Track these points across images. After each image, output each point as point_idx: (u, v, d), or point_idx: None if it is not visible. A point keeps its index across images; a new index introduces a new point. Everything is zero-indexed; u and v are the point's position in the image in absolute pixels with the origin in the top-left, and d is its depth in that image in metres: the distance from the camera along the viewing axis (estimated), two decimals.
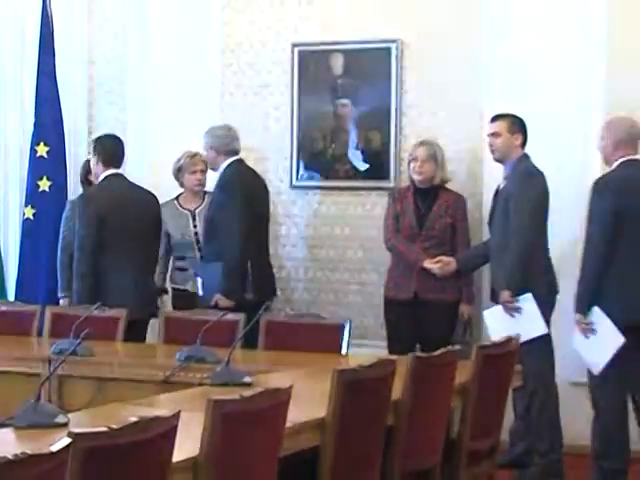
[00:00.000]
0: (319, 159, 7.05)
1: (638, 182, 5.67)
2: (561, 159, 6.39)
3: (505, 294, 5.82)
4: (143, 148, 7.42)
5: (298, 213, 7.14)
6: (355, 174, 7.00)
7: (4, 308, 6.20)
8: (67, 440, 2.47)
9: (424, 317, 6.29)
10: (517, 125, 6.07)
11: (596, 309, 5.59)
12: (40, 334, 5.90)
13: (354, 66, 6.97)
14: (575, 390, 6.24)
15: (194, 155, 6.84)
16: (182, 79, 7.36)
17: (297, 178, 7.08)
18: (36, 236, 7.24)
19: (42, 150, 7.36)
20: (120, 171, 6.36)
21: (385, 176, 6.92)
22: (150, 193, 6.46)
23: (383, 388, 3.90)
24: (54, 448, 2.38)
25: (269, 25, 7.17)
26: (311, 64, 7.07)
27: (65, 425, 3.36)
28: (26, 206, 7.37)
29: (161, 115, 7.35)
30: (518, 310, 5.80)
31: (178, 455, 2.95)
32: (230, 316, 5.50)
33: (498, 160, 6.14)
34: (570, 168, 6.42)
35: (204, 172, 6.87)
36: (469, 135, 6.69)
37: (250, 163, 7.11)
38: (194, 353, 4.84)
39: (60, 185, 7.15)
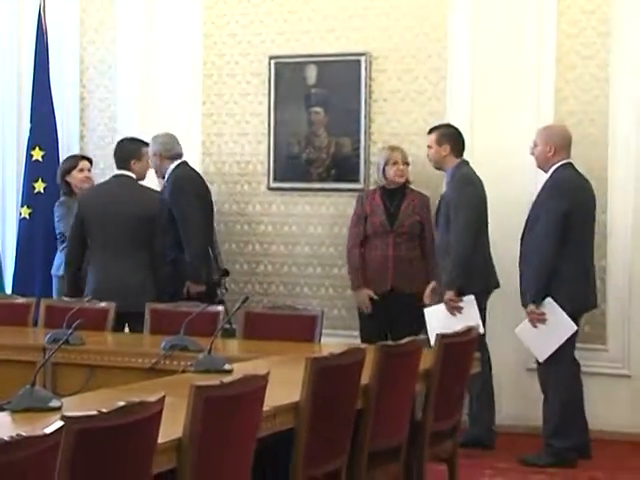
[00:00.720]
0: (294, 163, 7.04)
1: (583, 183, 5.81)
2: (512, 169, 6.43)
3: (449, 294, 5.85)
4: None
5: (275, 213, 7.14)
6: (327, 176, 7.00)
7: (2, 301, 6.16)
8: (60, 423, 2.45)
9: (396, 310, 6.29)
10: (445, 136, 6.13)
11: (549, 300, 5.63)
12: (35, 325, 5.86)
13: (326, 77, 6.96)
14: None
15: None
16: (166, 88, 7.34)
17: (274, 180, 7.07)
18: (32, 234, 7.22)
19: (37, 154, 7.33)
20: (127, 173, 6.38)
21: (355, 178, 6.92)
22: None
23: (353, 374, 3.90)
24: (48, 430, 2.37)
25: (248, 39, 7.17)
26: (286, 75, 7.06)
27: (58, 409, 3.34)
28: (22, 206, 7.34)
29: (147, 121, 7.32)
30: (459, 310, 5.84)
31: (163, 437, 2.94)
32: (211, 308, 5.49)
33: (437, 168, 6.27)
34: (520, 178, 6.46)
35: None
36: None
37: (230, 167, 7.12)
38: (178, 342, 4.82)
39: (54, 187, 7.11)
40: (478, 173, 6.18)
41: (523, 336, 5.79)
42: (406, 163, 6.48)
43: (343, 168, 6.96)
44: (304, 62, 7.01)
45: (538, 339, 5.73)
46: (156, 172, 6.61)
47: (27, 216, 7.29)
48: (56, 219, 6.84)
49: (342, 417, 3.88)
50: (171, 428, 3.03)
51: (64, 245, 6.73)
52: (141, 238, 6.25)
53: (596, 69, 6.46)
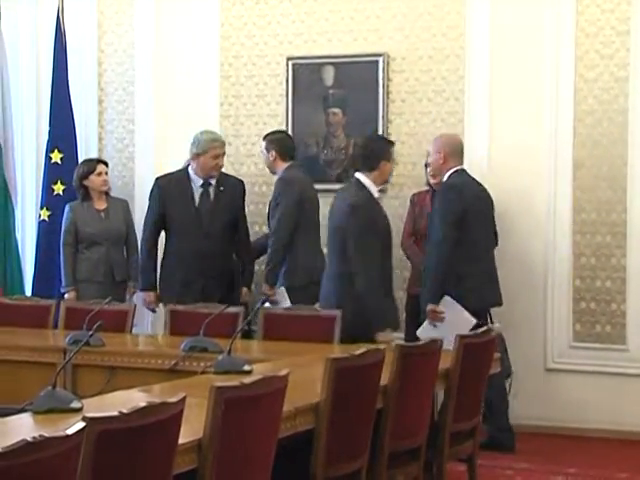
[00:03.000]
0: (312, 164, 7.04)
1: (474, 187, 5.95)
2: (531, 169, 6.42)
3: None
4: (150, 153, 7.43)
5: None
6: (346, 177, 6.98)
7: (22, 302, 6.19)
8: (81, 424, 2.46)
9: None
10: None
11: (447, 298, 5.74)
12: (55, 326, 5.89)
13: (344, 78, 6.97)
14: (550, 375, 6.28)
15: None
16: (185, 90, 7.36)
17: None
18: (51, 236, 7.23)
19: (56, 157, 7.36)
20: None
21: None
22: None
23: (373, 374, 3.90)
24: (69, 431, 2.38)
25: (265, 40, 7.18)
26: (304, 76, 7.07)
27: (79, 410, 3.35)
28: (42, 208, 7.37)
29: (165, 123, 7.35)
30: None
31: (183, 437, 2.94)
32: (231, 309, 5.50)
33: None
34: (539, 178, 6.46)
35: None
36: None
37: (248, 167, 7.13)
38: (197, 343, 4.83)
39: (73, 189, 7.14)
40: (495, 174, 6.15)
41: (424, 336, 5.72)
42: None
43: None
44: (322, 63, 7.02)
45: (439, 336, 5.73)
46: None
47: (46, 218, 7.32)
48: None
49: (362, 417, 3.88)
50: (191, 429, 3.03)
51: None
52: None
53: (615, 68, 6.44)
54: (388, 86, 6.87)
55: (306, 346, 5.02)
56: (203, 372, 4.47)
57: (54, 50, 7.35)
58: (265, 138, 6.59)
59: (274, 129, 6.81)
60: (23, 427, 3.23)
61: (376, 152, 5.51)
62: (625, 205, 6.41)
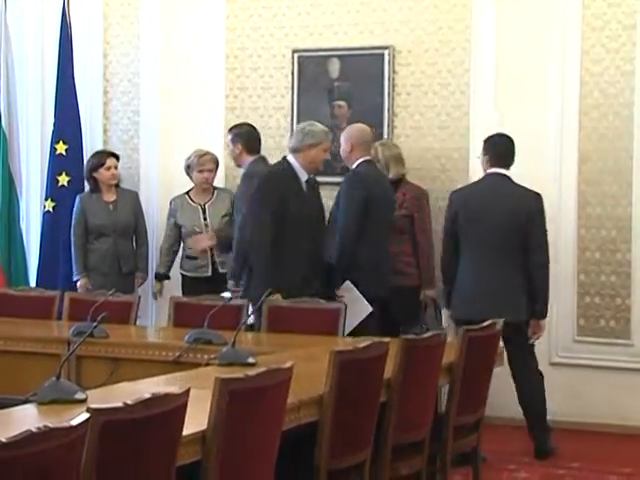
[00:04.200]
0: None
1: (379, 178, 6.08)
2: (536, 163, 6.42)
3: (230, 283, 6.03)
4: (154, 145, 7.43)
5: None
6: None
7: (26, 294, 6.19)
8: (86, 415, 2.46)
9: (390, 301, 6.15)
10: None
11: (347, 283, 5.83)
12: (59, 318, 5.90)
13: (350, 70, 6.96)
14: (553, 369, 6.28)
15: (203, 155, 6.82)
16: (190, 82, 7.36)
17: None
18: (55, 227, 7.25)
19: (61, 148, 7.36)
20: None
21: None
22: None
23: (377, 367, 3.90)
24: (74, 422, 2.38)
25: (271, 32, 7.17)
26: (310, 68, 7.06)
27: (84, 401, 3.35)
28: (46, 199, 7.37)
29: (170, 115, 7.35)
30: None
31: (187, 429, 2.94)
32: (235, 301, 5.51)
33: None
34: (544, 172, 6.45)
35: (212, 171, 6.87)
36: (456, 133, 6.71)
37: None
38: (202, 335, 4.83)
39: (78, 180, 7.15)
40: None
41: None
42: (377, 162, 6.40)
43: None
44: (327, 56, 7.01)
45: None
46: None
47: (51, 209, 7.32)
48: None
49: (366, 410, 3.88)
50: (196, 420, 3.03)
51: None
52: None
53: (621, 62, 6.43)
54: (394, 79, 6.86)
55: (310, 338, 5.02)
56: (207, 364, 4.47)
57: (59, 41, 7.35)
58: (230, 131, 6.55)
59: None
60: (27, 418, 3.24)
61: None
62: (630, 199, 6.40)
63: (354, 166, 6.10)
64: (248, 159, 6.46)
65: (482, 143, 6.01)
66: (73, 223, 6.93)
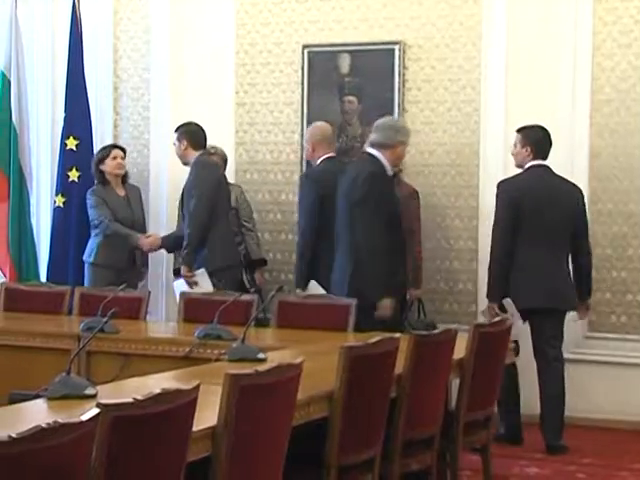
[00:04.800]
0: None
1: (338, 172, 6.00)
2: (550, 157, 6.38)
3: (184, 269, 6.29)
4: (165, 141, 7.42)
5: None
6: None
7: (37, 289, 6.20)
8: (96, 410, 2.46)
9: None
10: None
11: (313, 282, 5.99)
12: (70, 313, 5.90)
13: (360, 66, 6.95)
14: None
15: (211, 149, 6.83)
16: (200, 77, 7.36)
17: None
18: (66, 223, 7.25)
19: (72, 143, 7.36)
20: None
21: None
22: None
23: (387, 363, 3.89)
24: (84, 417, 2.38)
25: (281, 28, 7.16)
26: (320, 64, 7.05)
27: (94, 396, 3.35)
28: (57, 195, 7.38)
29: (180, 110, 7.34)
30: (195, 283, 6.25)
31: (198, 425, 2.94)
32: (245, 297, 5.51)
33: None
34: (555, 168, 6.42)
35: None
36: (466, 129, 6.70)
37: (263, 155, 7.12)
38: (211, 331, 4.83)
39: (88, 175, 7.15)
40: (511, 163, 6.12)
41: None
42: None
43: None
44: (337, 51, 7.00)
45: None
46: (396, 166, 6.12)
47: (61, 205, 7.33)
48: (88, 206, 6.91)
49: (376, 406, 3.88)
50: (206, 416, 3.03)
51: (97, 231, 6.80)
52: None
53: (633, 57, 6.41)
54: (404, 74, 6.84)
55: (320, 334, 5.02)
56: (217, 360, 4.47)
57: (70, 37, 7.35)
58: (177, 130, 6.61)
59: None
60: (38, 413, 3.25)
61: None
62: None
63: (317, 162, 6.22)
64: (194, 154, 6.50)
65: (516, 135, 5.98)
66: (97, 211, 6.79)
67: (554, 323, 5.87)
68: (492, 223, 5.95)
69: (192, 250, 6.35)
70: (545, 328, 5.85)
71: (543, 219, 5.82)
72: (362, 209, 5.67)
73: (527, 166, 5.93)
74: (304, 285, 6.06)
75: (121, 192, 6.97)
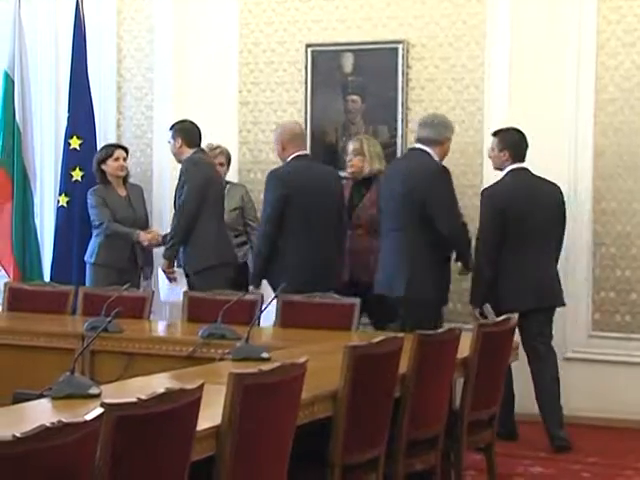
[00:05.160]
0: (331, 151, 7.02)
1: (306, 170, 6.12)
2: (551, 158, 6.39)
3: (164, 264, 6.39)
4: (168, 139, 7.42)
5: None
6: None
7: (41, 288, 6.20)
8: (100, 410, 2.46)
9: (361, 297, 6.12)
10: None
11: (264, 281, 6.04)
12: (74, 313, 5.91)
13: (363, 65, 6.94)
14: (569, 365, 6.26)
15: (214, 149, 6.85)
16: (203, 76, 7.35)
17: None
18: (69, 222, 7.25)
19: (75, 143, 7.36)
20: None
21: None
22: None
23: (391, 363, 3.89)
24: (88, 417, 2.38)
25: (284, 27, 7.16)
26: (323, 63, 7.04)
27: (98, 396, 3.35)
28: (60, 195, 7.38)
29: (184, 109, 7.33)
30: (175, 279, 6.40)
31: (202, 424, 2.94)
32: (249, 296, 5.51)
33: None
34: (559, 167, 6.42)
35: (223, 165, 6.89)
36: (470, 128, 6.69)
37: (267, 155, 7.12)
38: (215, 330, 4.83)
39: (92, 175, 7.14)
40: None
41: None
42: (361, 153, 6.45)
43: None
44: (341, 50, 7.00)
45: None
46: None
47: (65, 204, 7.33)
48: (89, 206, 6.91)
49: (380, 405, 3.87)
50: (210, 415, 3.03)
51: (97, 231, 6.82)
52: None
53: (637, 56, 6.40)
54: (407, 73, 6.84)
55: (324, 333, 5.02)
56: (221, 359, 4.47)
57: (73, 36, 7.35)
58: (171, 128, 6.63)
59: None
60: (42, 413, 3.25)
61: None
62: None
63: (288, 160, 6.21)
64: (188, 152, 6.51)
65: (493, 138, 6.01)
66: (97, 210, 6.80)
67: (542, 320, 5.91)
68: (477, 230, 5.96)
69: (177, 242, 6.39)
70: (533, 326, 5.86)
71: (527, 224, 5.86)
72: (449, 204, 5.83)
73: (508, 170, 5.97)
74: (258, 283, 6.07)
75: (122, 192, 6.96)
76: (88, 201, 6.92)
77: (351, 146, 6.50)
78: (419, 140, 5.96)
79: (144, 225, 6.99)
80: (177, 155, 6.62)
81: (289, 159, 6.20)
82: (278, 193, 6.04)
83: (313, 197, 6.08)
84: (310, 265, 6.02)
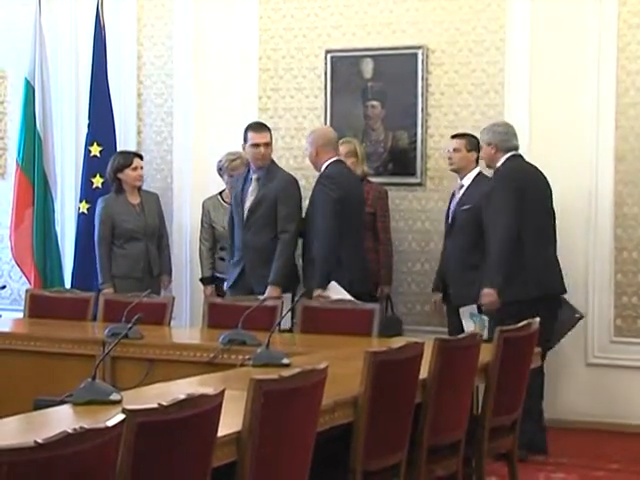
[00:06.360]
0: None
1: (349, 176, 6.25)
2: (572, 163, 6.37)
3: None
4: (188, 146, 7.45)
5: None
6: (384, 171, 6.99)
7: (62, 295, 6.23)
8: (121, 416, 2.46)
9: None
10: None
11: (333, 283, 6.00)
12: (94, 319, 5.92)
13: (383, 70, 6.94)
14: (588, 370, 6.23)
15: (234, 159, 6.78)
16: (223, 82, 7.37)
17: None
18: (90, 229, 7.25)
19: (95, 150, 7.39)
20: None
21: (412, 172, 6.90)
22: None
23: (412, 368, 3.88)
24: (109, 423, 2.38)
25: (304, 33, 7.17)
26: (343, 69, 7.05)
27: (119, 402, 3.36)
28: (81, 201, 7.40)
29: (203, 115, 7.37)
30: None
31: (223, 430, 2.94)
32: (269, 302, 5.51)
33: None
34: (580, 171, 6.40)
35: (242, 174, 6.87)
36: None
37: (287, 161, 7.12)
38: (236, 336, 4.83)
39: None
40: (537, 166, 6.10)
41: None
42: (354, 155, 6.54)
43: (400, 162, 6.94)
44: (360, 56, 7.00)
45: None
46: (489, 165, 6.08)
47: (85, 211, 7.35)
48: (96, 215, 6.92)
49: (401, 411, 3.87)
50: (230, 421, 3.03)
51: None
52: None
53: None
54: (427, 79, 6.83)
55: (344, 339, 5.01)
56: (242, 365, 4.47)
57: (93, 43, 7.39)
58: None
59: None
60: (63, 419, 3.25)
61: None
62: None
63: (323, 168, 6.20)
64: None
65: (480, 138, 6.04)
66: (99, 226, 6.84)
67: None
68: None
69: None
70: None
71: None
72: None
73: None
74: (326, 284, 6.03)
75: (135, 199, 6.92)
76: (97, 210, 6.92)
77: (344, 148, 6.53)
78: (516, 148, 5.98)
79: (156, 233, 6.96)
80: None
81: (327, 163, 6.19)
82: (336, 195, 6.07)
83: (357, 202, 6.25)
84: (359, 267, 6.19)
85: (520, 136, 6.18)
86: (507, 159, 5.92)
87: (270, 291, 6.12)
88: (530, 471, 5.36)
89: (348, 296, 5.88)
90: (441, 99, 6.83)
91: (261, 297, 5.78)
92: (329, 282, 6.02)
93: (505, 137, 5.97)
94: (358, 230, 6.24)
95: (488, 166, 6.07)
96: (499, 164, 5.92)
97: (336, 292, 5.93)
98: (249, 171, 6.42)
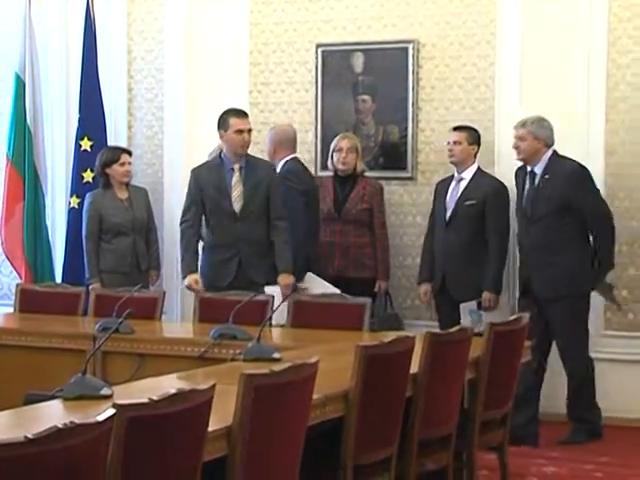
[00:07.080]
0: None
1: (304, 172, 6.50)
2: (565, 154, 6.37)
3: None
4: (179, 141, 7.44)
5: None
6: (375, 165, 6.99)
7: (52, 290, 6.22)
8: (112, 411, 2.47)
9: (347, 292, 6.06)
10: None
11: (309, 274, 6.21)
12: (85, 314, 5.92)
13: (374, 64, 6.95)
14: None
15: None
16: (214, 77, 7.36)
17: (321, 169, 7.07)
18: (81, 223, 7.24)
19: (86, 144, 7.38)
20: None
21: (403, 166, 6.90)
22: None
23: (402, 362, 3.89)
24: (100, 418, 2.38)
25: (294, 27, 7.17)
26: (333, 63, 7.05)
27: (110, 397, 3.36)
28: (71, 196, 7.40)
29: (194, 110, 7.36)
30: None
31: (213, 424, 2.94)
32: (260, 297, 5.51)
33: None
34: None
35: None
36: (480, 127, 6.67)
37: None
38: (226, 331, 4.83)
39: None
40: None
41: None
42: (355, 151, 6.62)
43: (391, 156, 6.95)
44: (351, 50, 7.00)
45: None
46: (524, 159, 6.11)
47: (76, 206, 7.34)
48: (84, 211, 6.91)
49: (392, 405, 3.87)
50: (221, 416, 3.03)
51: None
52: None
53: None
54: (418, 73, 6.84)
55: (335, 334, 5.01)
56: (232, 359, 4.47)
57: (84, 38, 7.37)
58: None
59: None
60: (53, 414, 3.26)
61: None
62: None
63: (280, 165, 6.38)
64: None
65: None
66: (86, 223, 6.82)
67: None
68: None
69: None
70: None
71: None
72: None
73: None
74: (302, 277, 6.19)
75: (123, 194, 6.91)
76: (84, 206, 6.91)
77: (346, 143, 6.58)
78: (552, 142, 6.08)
79: (144, 228, 6.96)
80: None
81: (284, 161, 6.40)
82: (302, 188, 6.31)
83: (315, 197, 6.48)
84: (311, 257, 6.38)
85: (510, 130, 6.20)
86: (558, 156, 6.04)
87: (284, 279, 6.10)
88: (520, 464, 5.37)
89: (331, 287, 5.94)
90: (432, 93, 6.84)
91: (266, 287, 5.93)
92: (304, 273, 6.17)
93: (551, 134, 6.07)
94: (318, 222, 6.48)
95: (523, 159, 6.06)
96: (545, 157, 6.01)
97: (317, 285, 5.95)
98: (222, 161, 6.32)
